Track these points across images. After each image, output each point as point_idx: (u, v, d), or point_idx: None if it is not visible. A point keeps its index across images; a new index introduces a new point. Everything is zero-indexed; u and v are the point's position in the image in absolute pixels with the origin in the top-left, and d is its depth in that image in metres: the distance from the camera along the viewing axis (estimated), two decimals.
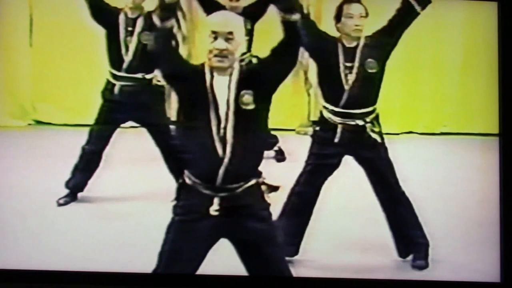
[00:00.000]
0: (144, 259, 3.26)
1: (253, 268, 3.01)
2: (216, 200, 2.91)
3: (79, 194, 3.88)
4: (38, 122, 4.12)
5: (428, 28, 4.02)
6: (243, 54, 3.08)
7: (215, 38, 2.87)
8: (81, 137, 3.89)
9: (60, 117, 4.09)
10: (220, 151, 2.89)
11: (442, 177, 3.97)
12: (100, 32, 3.89)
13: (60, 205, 3.84)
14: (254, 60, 3.86)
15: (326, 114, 3.71)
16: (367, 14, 3.68)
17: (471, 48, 4.07)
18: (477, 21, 4.01)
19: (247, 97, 2.92)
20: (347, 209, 3.85)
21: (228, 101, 2.92)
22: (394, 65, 3.75)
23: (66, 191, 3.85)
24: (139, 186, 3.88)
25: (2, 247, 3.51)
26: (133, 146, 3.94)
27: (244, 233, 2.94)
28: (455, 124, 4.17)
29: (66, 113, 4.08)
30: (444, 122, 4.20)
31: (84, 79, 3.99)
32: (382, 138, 3.70)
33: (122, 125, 3.91)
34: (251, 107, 2.92)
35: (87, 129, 3.89)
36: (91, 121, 3.88)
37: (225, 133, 2.90)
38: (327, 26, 3.77)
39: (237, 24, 2.94)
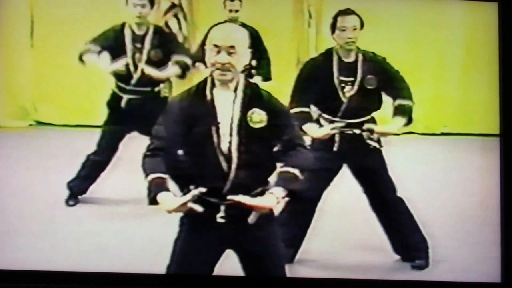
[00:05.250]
0: (146, 260, 3.28)
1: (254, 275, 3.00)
2: (222, 208, 2.87)
3: (82, 196, 3.89)
4: (39, 123, 4.13)
5: (428, 28, 4.02)
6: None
7: (218, 52, 2.85)
8: (82, 137, 3.91)
9: (61, 118, 4.10)
10: (225, 166, 2.86)
11: (443, 177, 3.96)
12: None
13: (69, 205, 3.84)
14: (254, 72, 3.87)
15: (323, 123, 3.71)
16: (362, 26, 3.67)
17: (471, 48, 4.07)
18: (477, 21, 4.00)
19: (256, 115, 2.89)
20: (347, 209, 3.85)
21: (232, 116, 2.88)
22: (394, 65, 3.75)
23: (67, 192, 3.86)
24: (143, 188, 3.88)
25: (3, 248, 3.52)
26: (138, 148, 3.94)
27: (249, 241, 2.90)
28: (455, 125, 4.17)
29: (67, 114, 4.08)
30: (445, 122, 4.20)
31: (85, 80, 3.99)
32: (380, 143, 3.71)
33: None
34: (261, 125, 2.89)
35: (88, 130, 3.91)
36: (92, 122, 3.90)
37: (229, 148, 2.86)
38: (328, 27, 3.77)
39: (239, 37, 2.90)
